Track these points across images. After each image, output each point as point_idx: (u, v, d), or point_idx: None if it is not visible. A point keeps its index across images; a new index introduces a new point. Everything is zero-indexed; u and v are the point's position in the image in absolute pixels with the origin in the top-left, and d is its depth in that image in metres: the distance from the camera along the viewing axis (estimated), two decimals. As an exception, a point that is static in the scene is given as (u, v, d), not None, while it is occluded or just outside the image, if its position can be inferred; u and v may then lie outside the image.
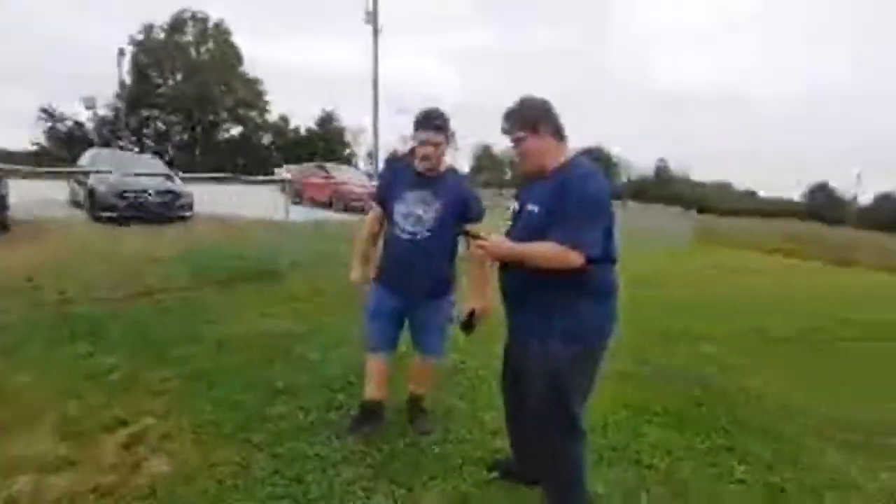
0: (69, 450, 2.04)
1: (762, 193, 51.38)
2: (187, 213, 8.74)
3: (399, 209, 2.18)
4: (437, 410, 2.60)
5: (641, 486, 2.11)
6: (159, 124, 38.43)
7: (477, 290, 2.14)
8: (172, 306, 3.96)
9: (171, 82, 38.03)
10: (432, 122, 2.13)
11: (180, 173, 10.92)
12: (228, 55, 39.11)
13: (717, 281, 8.16)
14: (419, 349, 2.38)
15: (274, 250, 5.64)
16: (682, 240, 14.18)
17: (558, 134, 1.76)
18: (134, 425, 2.25)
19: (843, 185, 44.63)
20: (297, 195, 14.11)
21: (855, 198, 39.88)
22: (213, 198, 8.88)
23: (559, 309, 1.67)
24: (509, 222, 1.82)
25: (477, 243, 1.76)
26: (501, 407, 2.11)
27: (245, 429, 2.29)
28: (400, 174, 2.26)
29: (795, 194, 49.10)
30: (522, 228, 1.72)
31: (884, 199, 45.78)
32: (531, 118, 1.75)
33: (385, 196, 2.26)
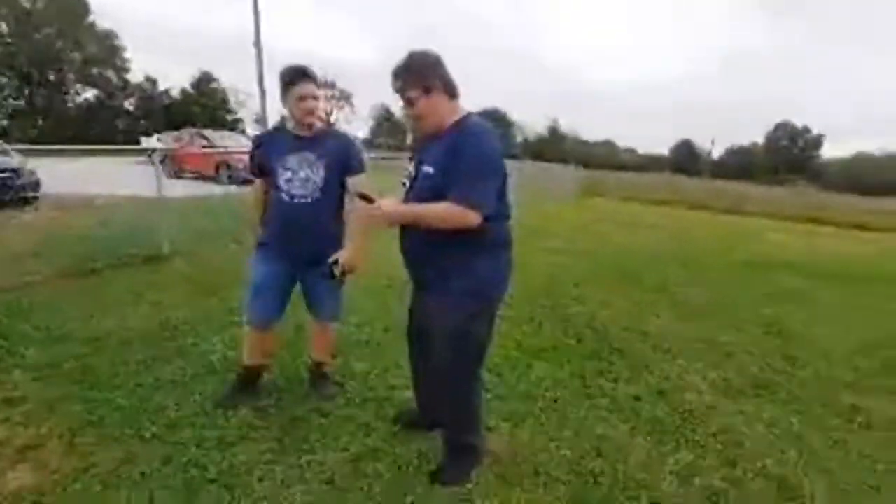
0: None
1: (640, 150, 57.18)
2: (32, 194, 7.42)
3: (283, 174, 2.10)
4: (341, 374, 2.62)
5: (529, 414, 2.36)
6: (-15, 88, 31.66)
7: (351, 243, 2.12)
8: (28, 304, 3.42)
9: (-6, 36, 31.23)
10: (307, 75, 2.04)
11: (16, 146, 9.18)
12: (71, 3, 32.84)
13: (601, 231, 9.01)
14: (315, 315, 2.35)
15: (149, 231, 5.08)
16: (571, 194, 15.38)
17: (451, 92, 1.71)
18: (-18, 441, 1.96)
19: (700, 140, 50.95)
20: (177, 167, 12.74)
21: (710, 153, 45.79)
22: (67, 174, 7.64)
23: (457, 267, 1.70)
24: (406, 184, 1.79)
25: (370, 207, 1.71)
26: (404, 365, 2.19)
27: (130, 425, 2.11)
28: (276, 141, 2.17)
29: (664, 149, 55.25)
30: (419, 189, 1.71)
31: (733, 153, 53.30)
32: (423, 76, 1.67)
33: (264, 165, 2.16)
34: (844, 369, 3.16)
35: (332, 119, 48.53)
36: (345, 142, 2.23)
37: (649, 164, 44.82)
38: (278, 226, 2.18)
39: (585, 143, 54.67)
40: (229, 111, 38.02)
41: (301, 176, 2.09)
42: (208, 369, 2.63)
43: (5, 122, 30.37)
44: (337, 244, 2.22)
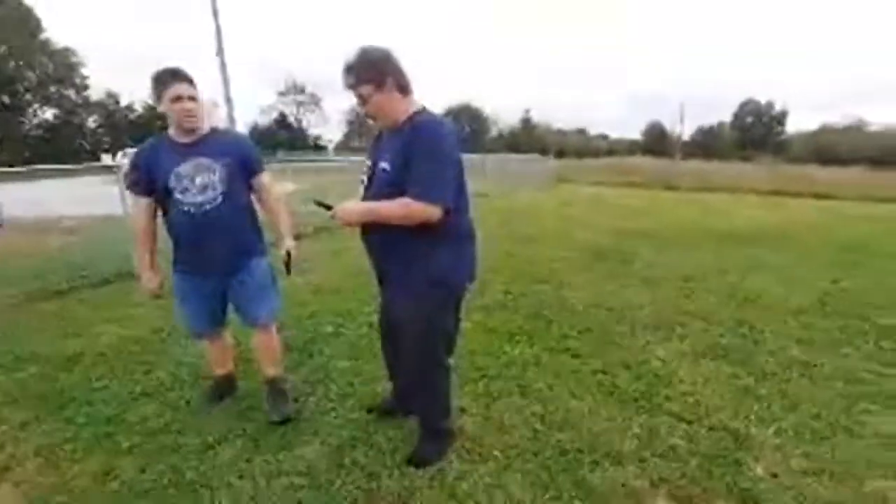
0: None
1: (612, 135, 58.15)
2: (-4, 221, 7.25)
3: (177, 186, 1.95)
4: (322, 371, 2.68)
5: (500, 394, 2.46)
6: (-65, 114, 30.46)
7: (282, 233, 2.19)
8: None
9: (-60, 58, 30.07)
10: (182, 75, 1.93)
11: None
12: (24, 22, 31.73)
13: (571, 216, 9.18)
14: (249, 322, 2.23)
15: (115, 249, 5.01)
16: (544, 182, 15.67)
17: (403, 87, 1.70)
18: (-41, 464, 1.96)
19: (670, 122, 51.81)
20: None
21: (679, 134, 46.50)
22: (30, 197, 7.47)
23: (419, 259, 1.72)
24: (364, 181, 1.81)
25: (329, 213, 1.74)
26: (381, 359, 2.24)
27: (106, 438, 2.13)
28: (160, 153, 1.99)
29: (636, 133, 56.19)
30: (378, 186, 1.71)
31: (703, 133, 54.44)
32: (374, 72, 1.66)
33: (152, 181, 1.97)
34: (797, 328, 3.34)
35: (304, 123, 48.03)
36: (241, 141, 2.17)
37: (621, 148, 45.54)
38: (185, 240, 2.06)
39: (560, 132, 55.38)
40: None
41: (198, 183, 1.96)
42: (183, 379, 2.65)
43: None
44: (254, 245, 2.17)
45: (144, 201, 2.04)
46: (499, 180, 13.09)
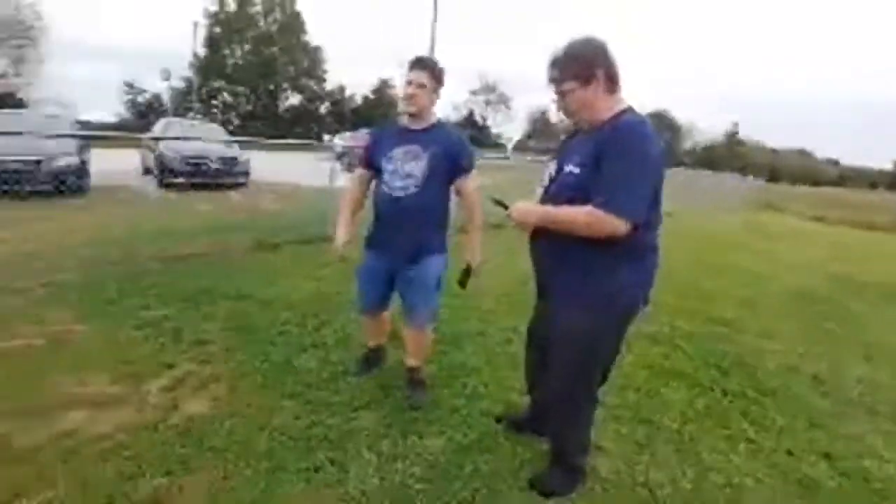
0: (119, 390, 2.24)
1: (844, 162, 46.76)
2: (243, 179, 9.28)
3: (387, 167, 2.11)
4: (458, 368, 2.69)
5: (647, 444, 2.14)
6: (226, 95, 40.09)
7: (472, 239, 2.19)
8: (226, 268, 4.24)
9: (239, 52, 39.46)
10: (419, 63, 2.05)
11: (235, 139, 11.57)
12: (294, 24, 39.83)
13: (773, 250, 7.64)
14: (407, 315, 2.28)
15: (325, 216, 5.88)
16: (740, 207, 13.46)
17: (612, 83, 1.55)
18: (177, 370, 2.46)
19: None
20: (354, 162, 14.50)
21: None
22: (267, 164, 9.31)
23: (597, 273, 1.55)
24: (545, 183, 1.69)
25: (506, 213, 1.68)
26: (520, 366, 2.15)
27: (276, 379, 2.44)
28: (386, 134, 2.19)
29: (886, 162, 43.99)
30: (560, 189, 1.58)
31: None
32: (584, 67, 1.53)
33: (372, 157, 2.19)
34: None
35: (489, 122, 49.96)
36: (455, 138, 2.16)
37: (858, 177, 36.13)
38: (380, 220, 2.20)
39: (773, 151, 46.75)
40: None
41: (405, 170, 2.07)
42: (348, 340, 2.92)
43: (237, 122, 38.32)
44: (436, 242, 2.19)
45: (360, 171, 2.27)
46: (687, 199, 11.63)
